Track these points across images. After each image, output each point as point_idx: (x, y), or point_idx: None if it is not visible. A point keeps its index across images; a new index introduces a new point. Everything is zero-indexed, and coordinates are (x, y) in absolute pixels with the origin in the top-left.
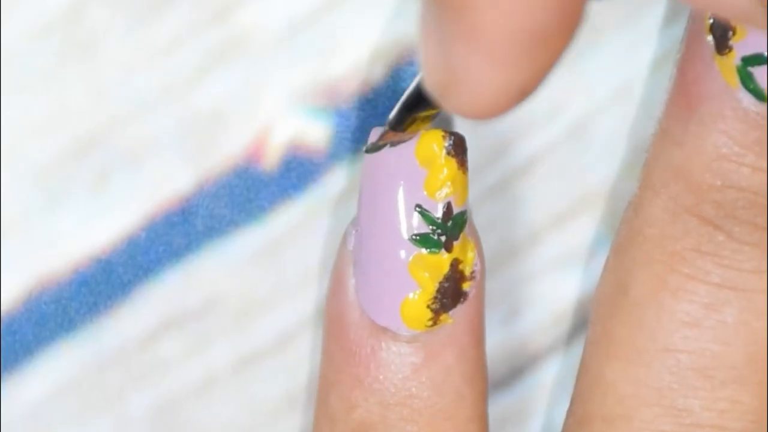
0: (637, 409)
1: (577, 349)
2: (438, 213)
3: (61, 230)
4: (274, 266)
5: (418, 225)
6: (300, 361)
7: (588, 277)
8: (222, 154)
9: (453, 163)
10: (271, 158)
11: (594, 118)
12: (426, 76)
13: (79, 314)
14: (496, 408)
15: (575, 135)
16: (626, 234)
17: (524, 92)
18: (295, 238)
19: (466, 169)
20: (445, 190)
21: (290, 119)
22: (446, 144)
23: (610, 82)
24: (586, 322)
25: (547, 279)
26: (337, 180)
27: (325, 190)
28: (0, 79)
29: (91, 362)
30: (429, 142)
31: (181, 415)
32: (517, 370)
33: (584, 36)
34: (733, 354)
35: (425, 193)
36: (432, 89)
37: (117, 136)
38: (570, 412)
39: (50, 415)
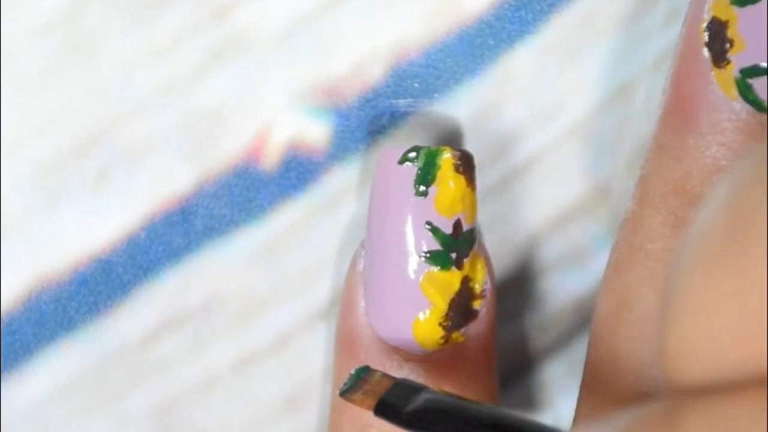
0: None
1: (577, 349)
2: (448, 230)
3: (61, 230)
4: (274, 266)
5: (428, 242)
6: (300, 361)
7: (588, 277)
8: (222, 153)
9: (462, 180)
10: (271, 158)
11: (594, 118)
12: None
13: (79, 314)
14: None
15: (575, 135)
16: (625, 251)
17: None
18: (295, 238)
19: (475, 186)
20: (455, 207)
21: (290, 119)
22: (455, 161)
23: (610, 82)
24: (586, 322)
25: (547, 279)
26: (336, 180)
27: (324, 190)
28: (0, 79)
29: (91, 362)
30: (437, 160)
31: (181, 414)
32: (518, 369)
33: (584, 36)
34: None
35: (435, 210)
36: None
37: (117, 136)
38: None
39: (50, 415)
